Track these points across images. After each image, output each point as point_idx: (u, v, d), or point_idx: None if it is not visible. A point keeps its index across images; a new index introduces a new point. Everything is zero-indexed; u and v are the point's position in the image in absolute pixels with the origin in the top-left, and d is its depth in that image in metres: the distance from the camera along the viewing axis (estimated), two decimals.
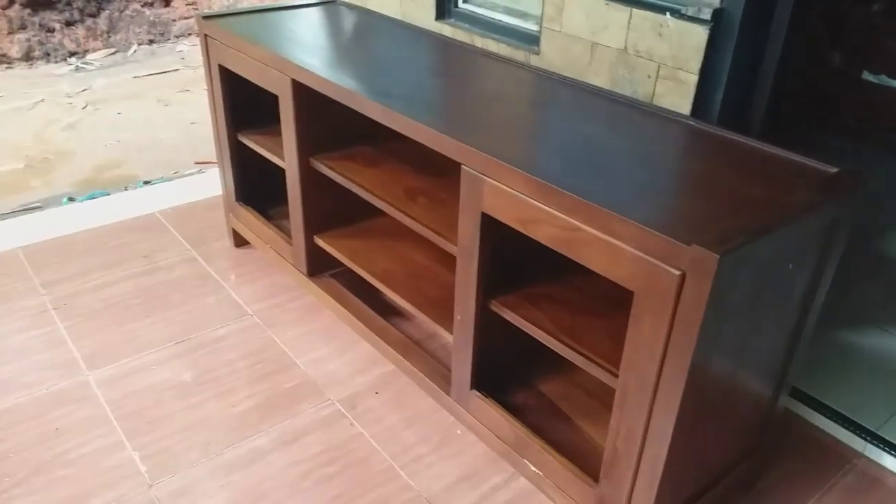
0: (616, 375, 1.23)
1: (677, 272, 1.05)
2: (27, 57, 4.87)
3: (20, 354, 1.91)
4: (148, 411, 1.75)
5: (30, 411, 1.73)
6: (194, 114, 4.12)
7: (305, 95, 1.76)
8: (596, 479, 1.34)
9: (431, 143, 1.44)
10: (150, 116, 4.08)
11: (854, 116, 3.34)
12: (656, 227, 1.07)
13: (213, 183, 2.76)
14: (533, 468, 1.46)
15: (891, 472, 1.66)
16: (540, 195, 1.23)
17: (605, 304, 1.46)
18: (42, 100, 4.27)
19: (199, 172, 3.25)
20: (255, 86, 1.92)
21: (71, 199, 3.00)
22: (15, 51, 4.81)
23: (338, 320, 2.06)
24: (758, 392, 1.44)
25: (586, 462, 1.41)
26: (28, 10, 4.81)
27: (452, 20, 2.40)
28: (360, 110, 1.59)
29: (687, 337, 1.07)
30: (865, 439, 1.70)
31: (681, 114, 1.59)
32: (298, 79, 1.73)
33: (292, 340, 2.00)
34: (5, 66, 4.79)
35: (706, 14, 1.66)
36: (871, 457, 1.69)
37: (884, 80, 3.24)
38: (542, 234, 1.25)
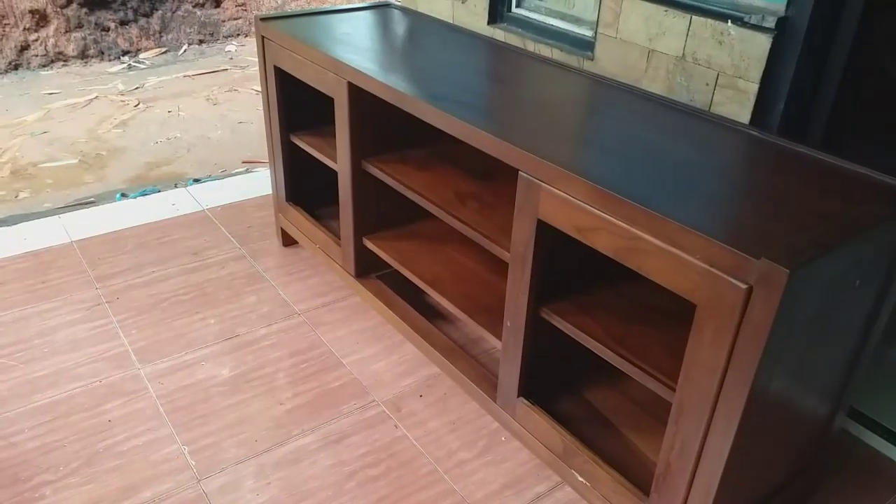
0: (673, 389, 1.21)
1: (744, 286, 1.02)
2: (82, 55, 5.00)
3: (74, 346, 1.96)
4: (197, 406, 1.77)
5: (83, 402, 1.77)
6: (242, 113, 4.19)
7: (360, 98, 1.77)
8: (646, 492, 1.32)
9: (488, 148, 1.43)
10: (199, 115, 4.16)
11: None
12: (723, 239, 1.05)
13: (261, 182, 2.80)
14: (580, 478, 1.45)
15: None
16: (599, 203, 1.21)
17: (658, 315, 1.44)
18: (96, 97, 4.38)
19: (246, 171, 3.29)
20: (307, 88, 1.94)
21: (123, 195, 3.06)
22: (71, 49, 4.94)
23: (384, 322, 2.06)
24: (815, 410, 1.40)
25: (635, 475, 1.39)
26: (85, 9, 4.94)
27: (505, 24, 2.39)
28: (417, 114, 1.59)
29: (751, 353, 1.05)
30: None
31: (741, 123, 1.57)
32: (354, 82, 1.74)
33: (338, 340, 2.02)
34: (61, 63, 4.93)
35: (770, 22, 1.62)
36: None
37: None
38: (600, 243, 1.24)
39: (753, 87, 1.71)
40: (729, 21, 1.70)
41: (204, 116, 4.14)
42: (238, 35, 5.60)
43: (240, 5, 5.52)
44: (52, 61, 4.91)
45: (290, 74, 2.02)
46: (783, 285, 0.98)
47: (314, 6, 4.69)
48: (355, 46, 1.91)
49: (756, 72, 1.69)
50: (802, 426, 1.40)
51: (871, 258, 1.21)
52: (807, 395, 1.33)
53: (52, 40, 4.87)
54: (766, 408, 1.17)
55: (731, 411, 1.10)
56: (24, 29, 4.75)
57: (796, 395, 1.28)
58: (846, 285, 1.18)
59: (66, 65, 4.94)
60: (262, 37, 2.08)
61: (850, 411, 1.75)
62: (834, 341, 1.28)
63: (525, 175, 1.35)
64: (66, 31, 4.92)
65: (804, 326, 1.12)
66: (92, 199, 3.10)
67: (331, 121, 1.88)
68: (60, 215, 2.61)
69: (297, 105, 2.14)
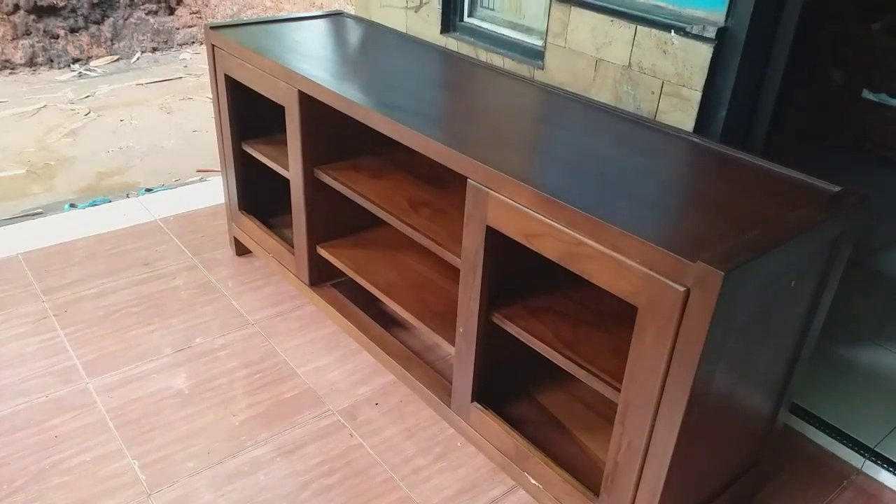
0: (618, 389, 1.23)
1: (682, 288, 1.05)
2: (30, 63, 4.88)
3: (19, 361, 1.91)
4: (148, 420, 1.75)
5: (28, 418, 1.73)
6: (196, 122, 4.13)
7: (311, 107, 1.77)
8: (596, 492, 1.34)
9: (438, 157, 1.45)
10: (152, 124, 4.09)
11: (854, 134, 3.36)
12: (661, 243, 1.08)
13: (214, 191, 2.77)
14: (533, 481, 1.46)
15: (889, 488, 1.66)
16: (544, 209, 1.24)
17: (608, 318, 1.47)
18: (44, 106, 4.28)
19: (200, 181, 3.25)
20: (260, 96, 1.93)
21: (73, 206, 3.00)
22: (18, 56, 4.82)
23: (339, 330, 2.06)
24: (758, 407, 1.44)
25: (586, 475, 1.41)
26: (32, 16, 4.82)
27: (457, 34, 2.41)
28: (368, 123, 1.60)
29: (690, 353, 1.08)
30: (864, 455, 1.70)
31: (685, 130, 1.61)
32: (305, 90, 1.74)
33: (293, 350, 2.01)
34: (8, 71, 4.80)
35: (711, 32, 1.67)
36: (869, 473, 1.69)
37: (884, 98, 3.26)
38: (546, 248, 1.26)
39: (697, 95, 1.76)
40: (672, 31, 1.75)
41: (157, 125, 4.08)
42: (193, 43, 5.53)
43: (194, 13, 5.45)
44: None
45: (241, 83, 2.01)
46: (718, 287, 1.01)
47: (267, 15, 4.65)
48: (307, 55, 1.91)
49: (699, 80, 1.74)
50: (746, 423, 1.44)
51: (806, 259, 1.26)
52: (749, 393, 1.37)
53: None
54: (708, 406, 1.20)
55: (674, 410, 1.13)
56: None
57: (739, 393, 1.32)
58: (782, 286, 1.22)
59: (13, 73, 4.82)
60: (213, 45, 2.06)
61: (794, 408, 1.81)
62: (773, 340, 1.33)
63: (473, 183, 1.36)
64: (14, 39, 4.80)
65: (742, 326, 1.16)
66: (40, 209, 3.03)
67: (283, 129, 1.87)
68: (5, 227, 2.54)
69: (249, 113, 2.13)
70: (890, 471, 1.67)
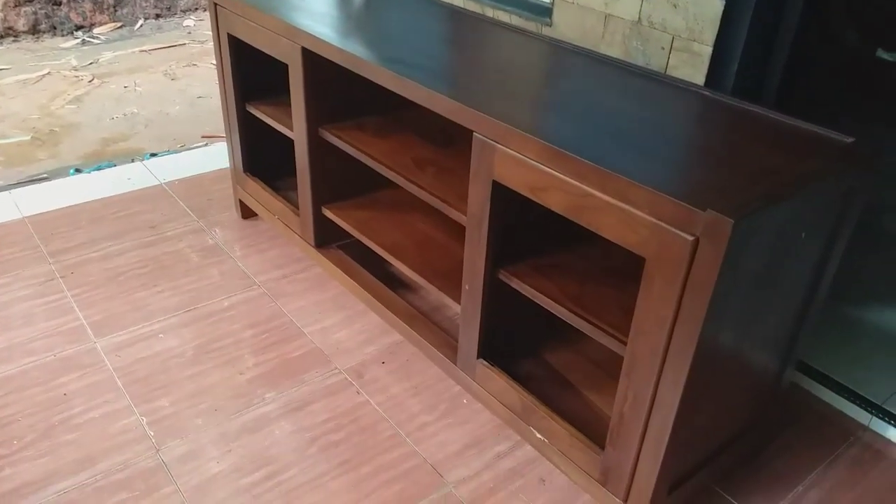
0: (624, 343, 1.23)
1: (691, 238, 1.04)
2: (33, 30, 4.84)
3: (27, 321, 1.92)
4: (155, 378, 1.76)
5: (37, 377, 1.74)
6: (201, 88, 4.10)
7: (315, 64, 1.75)
8: (602, 446, 1.34)
9: (443, 111, 1.42)
10: (156, 90, 4.06)
11: (866, 94, 3.30)
12: (670, 192, 1.06)
13: (220, 155, 2.76)
14: (538, 435, 1.47)
15: (895, 444, 1.66)
16: (552, 161, 1.22)
17: (615, 274, 1.46)
18: (48, 73, 4.25)
19: (206, 146, 3.23)
20: (264, 56, 1.90)
21: (77, 171, 2.99)
22: (21, 24, 4.78)
23: (345, 291, 2.06)
24: (765, 363, 1.44)
25: (592, 430, 1.41)
26: None
27: None
28: (372, 78, 1.58)
29: (698, 304, 1.07)
30: (871, 412, 1.70)
31: (695, 84, 1.58)
32: (309, 47, 1.71)
33: (300, 311, 2.01)
34: (11, 39, 4.76)
35: None
36: (877, 430, 1.69)
37: None
38: (553, 202, 1.24)
39: (707, 50, 1.73)
40: None
41: (162, 91, 4.05)
42: (196, 9, 5.47)
43: None
44: (2, 37, 4.74)
45: (244, 42, 1.98)
46: (728, 236, 0.99)
47: None
48: (310, 12, 1.88)
49: (710, 35, 1.70)
50: (753, 378, 1.44)
51: (818, 211, 1.24)
52: (756, 348, 1.36)
53: (0, 15, 4.70)
54: (715, 359, 1.19)
55: (681, 362, 1.13)
56: None
57: (745, 347, 1.31)
58: (793, 238, 1.21)
59: (16, 40, 4.78)
60: (215, 4, 2.03)
61: (801, 366, 1.80)
62: (782, 294, 1.31)
63: (480, 136, 1.34)
64: (16, 6, 4.76)
65: (751, 278, 1.15)
66: (45, 174, 3.02)
67: (288, 89, 1.85)
68: (11, 191, 2.54)
69: (253, 74, 2.11)
70: None
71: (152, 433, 1.61)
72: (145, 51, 4.71)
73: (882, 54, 3.26)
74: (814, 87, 3.28)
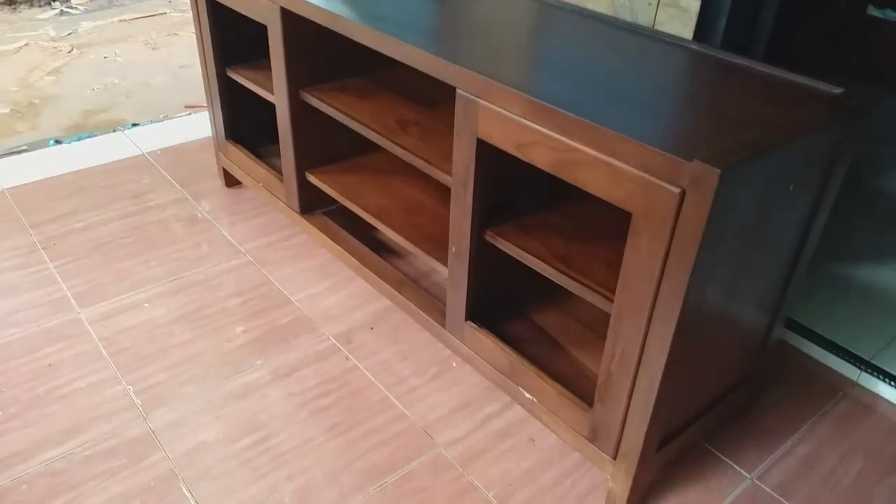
0: (611, 300, 1.22)
1: (677, 190, 1.02)
2: (10, 1, 4.73)
3: (10, 293, 1.89)
4: (141, 347, 1.74)
5: (21, 348, 1.72)
6: (183, 58, 4.02)
7: (295, 25, 1.70)
8: (590, 403, 1.34)
9: (425, 68, 1.39)
10: (137, 60, 3.98)
11: (857, 52, 3.28)
12: (656, 144, 1.04)
13: (203, 125, 2.71)
14: (527, 395, 1.46)
15: (884, 398, 1.67)
16: (537, 117, 1.19)
17: (601, 233, 1.44)
18: (26, 44, 4.16)
19: (188, 115, 3.18)
20: (244, 20, 1.86)
21: (58, 143, 2.94)
22: None
23: (332, 258, 2.04)
24: (753, 319, 1.43)
25: (581, 388, 1.41)
26: None
27: None
28: (351, 36, 1.54)
29: (685, 257, 1.06)
30: (860, 368, 1.70)
31: (683, 38, 1.55)
32: (287, 7, 1.67)
33: (286, 278, 1.99)
34: None
35: None
36: (865, 385, 1.70)
37: (889, 14, 3.16)
38: (538, 158, 1.22)
39: (695, 5, 1.69)
40: None
41: (143, 61, 3.97)
42: None
43: None
44: None
45: (223, 5, 1.93)
46: (714, 186, 0.98)
47: None
48: None
49: None
50: (741, 335, 1.43)
51: (806, 163, 1.23)
52: (744, 303, 1.36)
53: None
54: (702, 314, 1.18)
55: (668, 317, 1.12)
56: None
57: (734, 303, 1.31)
58: (781, 190, 1.19)
59: None
60: None
61: (790, 323, 1.80)
62: (770, 249, 1.30)
63: (462, 93, 1.32)
64: None
65: (738, 231, 1.13)
66: (24, 146, 2.97)
67: (268, 54, 1.81)
68: None
69: (233, 38, 2.06)
70: (886, 382, 1.67)
71: (139, 402, 1.59)
72: (125, 20, 4.61)
73: (873, 11, 3.23)
74: (803, 44, 3.25)
